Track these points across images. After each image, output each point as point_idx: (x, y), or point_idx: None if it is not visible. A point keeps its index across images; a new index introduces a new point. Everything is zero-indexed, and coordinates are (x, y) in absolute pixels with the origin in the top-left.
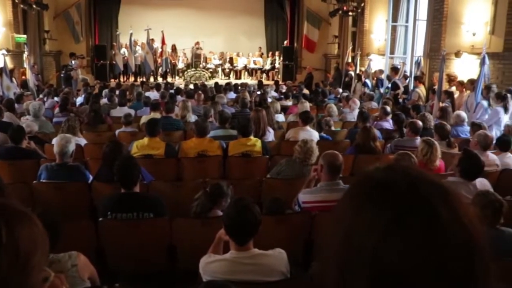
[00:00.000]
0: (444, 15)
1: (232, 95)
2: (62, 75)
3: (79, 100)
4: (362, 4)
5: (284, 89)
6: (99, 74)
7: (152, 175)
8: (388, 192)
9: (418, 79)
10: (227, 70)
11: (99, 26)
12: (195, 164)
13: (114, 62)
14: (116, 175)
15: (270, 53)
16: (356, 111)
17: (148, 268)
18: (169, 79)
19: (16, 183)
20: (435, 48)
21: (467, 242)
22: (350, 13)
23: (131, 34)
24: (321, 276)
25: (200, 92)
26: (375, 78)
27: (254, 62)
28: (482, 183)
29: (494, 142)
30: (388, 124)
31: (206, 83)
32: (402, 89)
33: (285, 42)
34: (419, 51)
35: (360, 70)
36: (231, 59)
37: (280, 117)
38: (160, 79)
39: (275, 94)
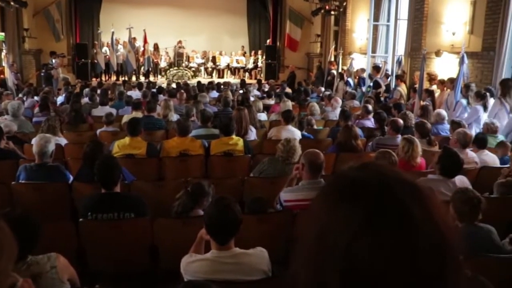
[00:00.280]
0: (425, 15)
1: (214, 94)
2: (42, 74)
3: (60, 99)
4: (344, 4)
5: (266, 88)
6: (80, 73)
7: (133, 175)
8: (361, 192)
9: (400, 78)
10: (210, 69)
11: (80, 24)
12: (177, 163)
13: (95, 61)
14: (96, 175)
15: (252, 52)
16: (338, 110)
17: (130, 268)
18: (152, 78)
19: None
20: (416, 47)
21: (439, 241)
22: (332, 12)
23: (112, 33)
24: (294, 275)
25: (182, 91)
26: (357, 77)
27: (237, 61)
28: (461, 180)
29: None
30: (370, 122)
31: (188, 82)
32: (383, 87)
33: (268, 41)
34: (401, 50)
35: (343, 69)
36: (213, 58)
37: (263, 116)
38: (142, 78)
39: (257, 93)
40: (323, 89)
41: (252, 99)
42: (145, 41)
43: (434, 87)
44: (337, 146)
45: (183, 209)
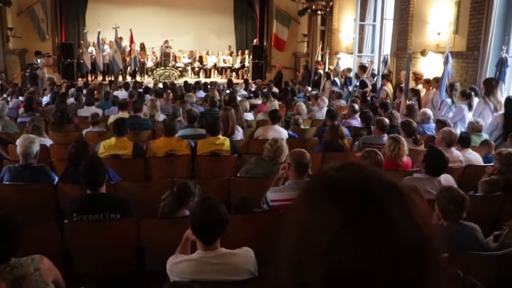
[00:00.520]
0: (410, 15)
1: (201, 94)
2: (27, 74)
3: (45, 99)
4: (331, 3)
5: (253, 87)
6: (66, 73)
7: (119, 176)
8: (341, 192)
9: (386, 78)
10: (197, 69)
11: (66, 24)
12: (163, 163)
13: (81, 60)
14: (81, 176)
15: (239, 52)
16: (325, 109)
17: (116, 269)
18: (138, 78)
19: None
20: (402, 47)
21: (419, 242)
22: (319, 12)
23: (99, 33)
24: (274, 277)
25: (169, 91)
26: (343, 77)
27: (224, 61)
28: (446, 179)
29: None
30: (356, 121)
31: (175, 82)
32: (370, 87)
33: (255, 40)
34: (387, 49)
35: (329, 69)
36: (200, 57)
37: (249, 116)
38: (128, 78)
39: (244, 92)
40: (309, 88)
41: (239, 98)
42: (132, 41)
43: (420, 86)
44: (323, 146)
45: (169, 210)
